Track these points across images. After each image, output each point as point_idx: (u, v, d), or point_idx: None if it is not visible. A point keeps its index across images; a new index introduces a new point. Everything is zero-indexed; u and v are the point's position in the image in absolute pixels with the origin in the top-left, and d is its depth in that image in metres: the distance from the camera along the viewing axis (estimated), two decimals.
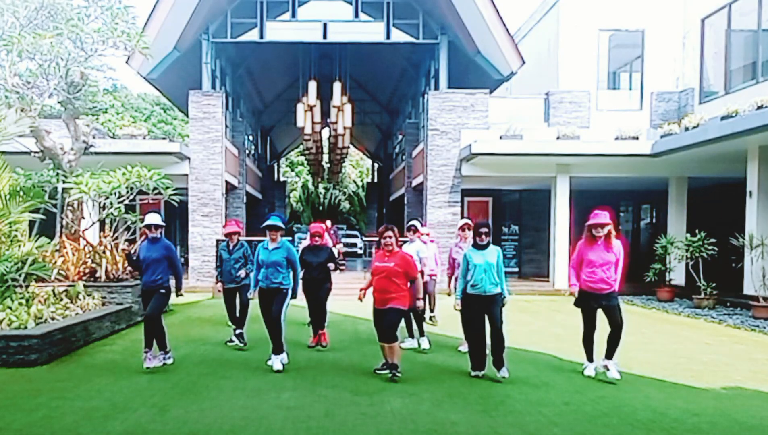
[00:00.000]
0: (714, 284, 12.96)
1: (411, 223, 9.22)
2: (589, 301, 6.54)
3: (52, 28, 9.86)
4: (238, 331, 8.28)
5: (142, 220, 7.32)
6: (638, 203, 20.62)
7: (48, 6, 10.15)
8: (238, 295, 8.60)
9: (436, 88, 17.23)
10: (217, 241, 15.01)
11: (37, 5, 10.08)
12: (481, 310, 6.51)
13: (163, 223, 7.07)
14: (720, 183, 16.04)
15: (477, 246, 6.60)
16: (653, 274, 14.77)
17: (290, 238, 25.16)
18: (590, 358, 6.73)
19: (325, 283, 8.46)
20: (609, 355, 6.52)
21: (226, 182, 17.12)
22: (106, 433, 4.76)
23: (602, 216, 6.44)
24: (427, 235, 10.04)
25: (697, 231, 13.66)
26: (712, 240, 13.34)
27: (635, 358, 7.63)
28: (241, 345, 8.13)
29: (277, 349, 6.90)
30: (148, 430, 4.85)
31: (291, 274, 7.19)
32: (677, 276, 15.01)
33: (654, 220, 20.07)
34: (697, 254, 13.42)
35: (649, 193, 19.04)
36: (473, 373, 6.62)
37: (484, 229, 6.60)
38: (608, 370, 6.48)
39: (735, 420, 5.21)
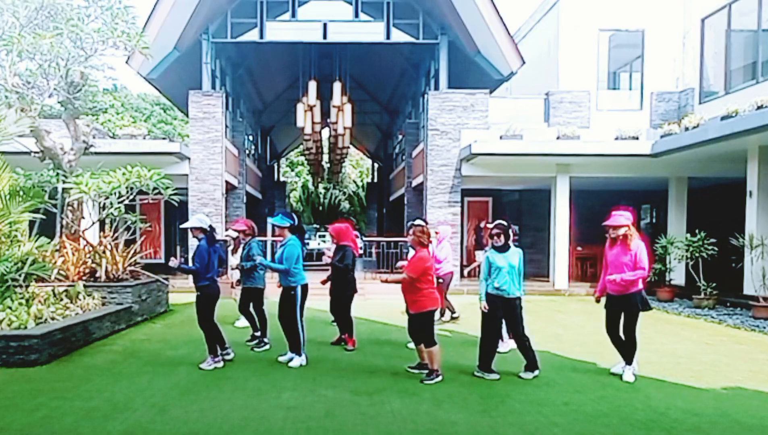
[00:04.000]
0: (714, 284, 12.95)
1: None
2: (606, 302, 6.69)
3: (52, 28, 9.85)
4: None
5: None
6: (638, 203, 20.59)
7: (48, 6, 10.13)
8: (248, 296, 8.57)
9: (436, 88, 17.23)
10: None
11: (37, 5, 10.06)
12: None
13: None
14: (720, 183, 16.04)
15: (496, 248, 6.65)
16: (653, 274, 14.72)
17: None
18: (628, 362, 6.64)
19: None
20: (626, 360, 6.62)
21: (226, 182, 17.12)
22: (106, 433, 4.76)
23: (615, 217, 6.51)
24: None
25: (697, 231, 13.65)
26: (712, 240, 13.33)
27: (635, 358, 7.62)
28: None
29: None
30: (148, 430, 4.85)
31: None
32: (677, 276, 15.01)
33: (654, 220, 20.07)
34: (697, 254, 13.42)
35: (649, 193, 19.04)
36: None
37: (495, 231, 6.63)
38: (623, 373, 6.59)
39: (735, 420, 5.21)
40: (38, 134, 10.56)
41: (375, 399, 5.72)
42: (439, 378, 6.39)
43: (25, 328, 7.30)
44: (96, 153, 11.72)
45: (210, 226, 7.17)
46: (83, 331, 8.15)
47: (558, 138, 14.95)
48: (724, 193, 15.86)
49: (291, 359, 7.12)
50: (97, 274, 10.32)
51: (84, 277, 10.19)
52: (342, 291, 8.20)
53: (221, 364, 6.96)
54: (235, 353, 7.39)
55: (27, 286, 8.56)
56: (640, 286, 6.47)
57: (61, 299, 8.83)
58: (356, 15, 17.03)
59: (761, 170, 12.34)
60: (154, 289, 11.02)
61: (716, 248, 13.26)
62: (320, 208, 37.30)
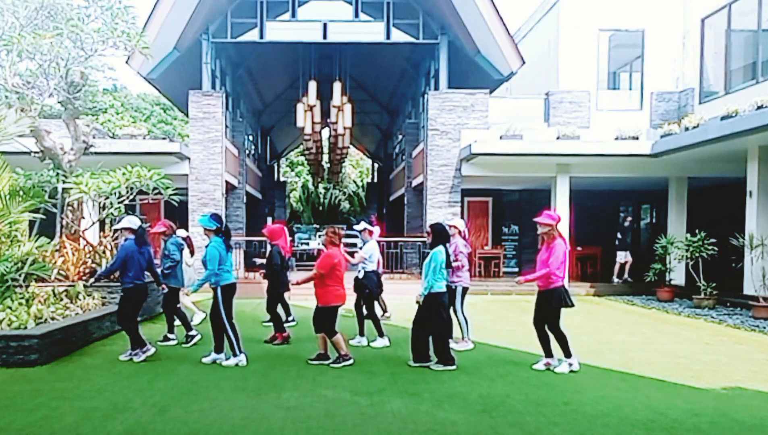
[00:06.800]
0: (714, 284, 12.94)
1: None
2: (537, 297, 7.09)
3: (52, 28, 9.86)
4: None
5: (144, 221, 7.69)
6: (638, 203, 20.62)
7: (48, 6, 10.15)
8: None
9: (436, 88, 17.22)
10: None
11: (37, 5, 10.07)
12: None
13: None
14: (720, 183, 16.04)
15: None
16: (653, 274, 14.75)
17: (291, 238, 25.14)
18: (549, 354, 7.01)
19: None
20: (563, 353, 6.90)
21: (226, 182, 17.11)
22: (106, 433, 4.76)
23: (542, 216, 6.83)
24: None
25: (697, 231, 13.65)
26: (712, 240, 13.32)
27: (635, 358, 7.63)
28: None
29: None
30: (148, 430, 4.85)
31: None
32: (677, 276, 15.00)
33: (654, 220, 20.07)
34: (697, 254, 13.41)
35: (649, 193, 19.04)
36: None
37: (427, 229, 7.29)
38: (558, 365, 6.89)
39: (735, 420, 5.21)
40: (38, 134, 10.57)
41: (375, 399, 5.72)
42: (349, 362, 6.94)
43: (25, 328, 7.30)
44: (96, 153, 11.72)
45: (140, 227, 7.52)
46: (83, 331, 8.15)
47: (558, 138, 14.94)
48: (724, 193, 15.86)
49: (215, 360, 7.22)
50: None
51: (84, 277, 10.19)
52: (273, 289, 8.87)
53: (141, 357, 7.25)
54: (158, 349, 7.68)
55: (27, 286, 8.57)
56: (560, 283, 6.73)
57: (61, 299, 8.84)
58: (356, 15, 17.02)
59: (761, 170, 12.34)
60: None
61: (716, 248, 13.25)
62: (320, 208, 37.25)
